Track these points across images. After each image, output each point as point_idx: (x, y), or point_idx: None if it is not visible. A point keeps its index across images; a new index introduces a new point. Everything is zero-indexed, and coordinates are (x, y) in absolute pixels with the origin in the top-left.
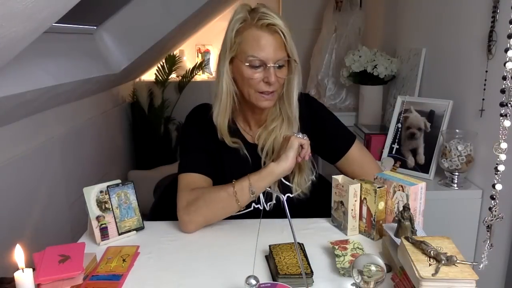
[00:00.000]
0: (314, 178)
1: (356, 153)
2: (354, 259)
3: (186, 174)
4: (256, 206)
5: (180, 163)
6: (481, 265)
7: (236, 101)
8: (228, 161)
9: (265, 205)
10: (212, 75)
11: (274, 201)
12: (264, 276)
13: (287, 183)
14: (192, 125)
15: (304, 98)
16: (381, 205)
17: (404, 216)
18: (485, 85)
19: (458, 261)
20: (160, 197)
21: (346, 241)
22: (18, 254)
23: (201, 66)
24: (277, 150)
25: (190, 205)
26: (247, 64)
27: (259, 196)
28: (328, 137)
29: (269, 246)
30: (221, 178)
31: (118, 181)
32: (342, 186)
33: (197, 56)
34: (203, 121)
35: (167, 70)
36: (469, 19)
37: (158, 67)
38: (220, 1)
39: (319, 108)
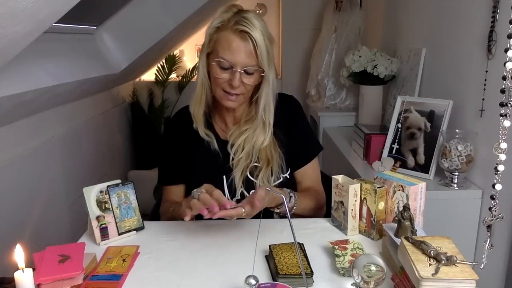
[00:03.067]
0: (288, 176)
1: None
2: (354, 259)
3: (166, 187)
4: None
5: (159, 174)
6: (481, 265)
7: (211, 97)
8: (201, 155)
9: (228, 197)
10: None
11: (238, 197)
12: (264, 276)
13: (251, 178)
14: (169, 128)
15: (288, 100)
16: (381, 205)
17: (404, 216)
18: (485, 85)
19: (458, 261)
20: (162, 197)
21: (346, 241)
22: (18, 254)
23: None
24: (246, 151)
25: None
26: (216, 64)
27: (235, 188)
28: (295, 145)
29: (269, 246)
30: (194, 171)
31: (118, 181)
32: (342, 186)
33: (197, 56)
34: (182, 117)
35: (167, 70)
36: (469, 19)
37: (158, 67)
38: (220, 1)
39: (298, 113)
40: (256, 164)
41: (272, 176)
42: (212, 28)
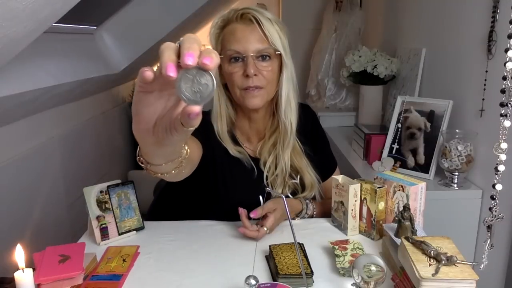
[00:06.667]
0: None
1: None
2: (354, 259)
3: None
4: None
5: None
6: (481, 265)
7: (232, 111)
8: (233, 173)
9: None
10: None
11: None
12: (264, 276)
13: (299, 195)
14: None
15: (307, 109)
16: (381, 205)
17: (404, 216)
18: (485, 85)
19: (458, 261)
20: (157, 198)
21: (346, 241)
22: (18, 254)
23: None
24: (280, 167)
25: None
26: (226, 59)
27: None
28: (318, 161)
29: (269, 246)
30: (224, 190)
31: (118, 181)
32: (342, 186)
33: None
34: (210, 122)
35: None
36: (469, 19)
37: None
38: (220, 1)
39: (318, 126)
40: (294, 180)
41: (312, 195)
42: (216, 28)
